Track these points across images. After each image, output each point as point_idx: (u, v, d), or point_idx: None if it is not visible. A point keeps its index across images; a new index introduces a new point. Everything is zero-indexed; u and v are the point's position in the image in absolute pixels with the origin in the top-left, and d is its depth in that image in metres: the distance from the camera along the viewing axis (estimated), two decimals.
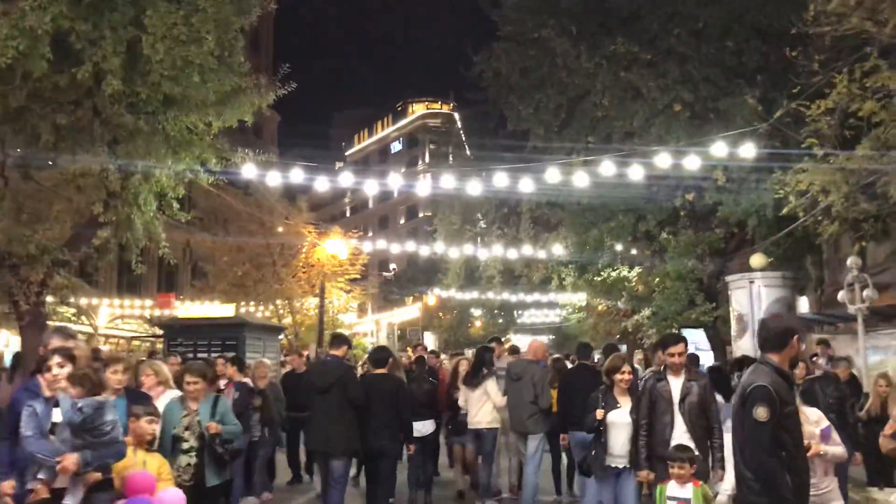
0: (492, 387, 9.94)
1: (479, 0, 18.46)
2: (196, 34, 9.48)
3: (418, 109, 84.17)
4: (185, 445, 6.31)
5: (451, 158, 29.97)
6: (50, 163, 10.87)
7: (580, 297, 28.13)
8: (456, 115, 29.26)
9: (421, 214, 71.56)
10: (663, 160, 12.10)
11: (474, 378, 10.06)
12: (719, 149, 11.84)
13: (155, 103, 10.30)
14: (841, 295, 10.82)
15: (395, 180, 16.61)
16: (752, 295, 15.17)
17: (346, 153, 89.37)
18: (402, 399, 8.64)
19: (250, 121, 11.55)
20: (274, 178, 13.17)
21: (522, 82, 17.72)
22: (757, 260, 15.36)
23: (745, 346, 14.82)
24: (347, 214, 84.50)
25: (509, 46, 17.92)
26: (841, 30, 8.32)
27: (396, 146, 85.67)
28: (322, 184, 13.78)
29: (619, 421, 6.99)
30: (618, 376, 7.18)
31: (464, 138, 27.94)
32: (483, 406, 9.92)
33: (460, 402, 10.36)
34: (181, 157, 11.05)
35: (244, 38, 11.03)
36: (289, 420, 11.37)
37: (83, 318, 24.78)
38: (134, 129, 10.19)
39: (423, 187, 17.70)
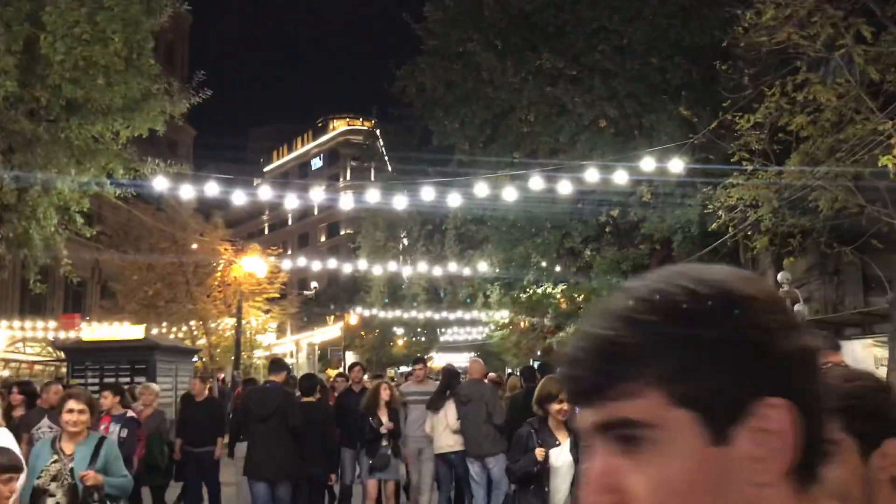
0: (450, 408, 9.60)
1: (402, 13, 18.25)
2: (101, 33, 8.83)
3: (339, 125, 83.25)
4: (50, 502, 4.88)
5: (373, 175, 29.55)
6: None
7: (503, 315, 28.00)
8: (378, 132, 28.81)
9: (342, 232, 70.58)
10: (590, 175, 11.98)
11: (438, 401, 9.72)
12: (646, 164, 11.78)
13: (56, 108, 9.59)
14: None
15: (317, 195, 16.09)
16: None
17: (265, 169, 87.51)
18: (330, 428, 8.82)
19: (161, 129, 10.86)
20: (187, 192, 12.44)
21: (448, 97, 17.51)
22: None
23: None
24: (266, 232, 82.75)
25: (434, 60, 17.69)
26: (771, 43, 8.29)
27: (317, 163, 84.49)
28: (240, 198, 13.10)
29: (560, 462, 5.51)
30: (554, 406, 5.59)
31: (386, 155, 27.59)
32: (446, 429, 9.58)
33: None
34: (85, 168, 10.31)
35: (157, 44, 10.39)
36: (188, 455, 9.96)
37: None
38: (32, 137, 9.46)
39: (346, 202, 17.22)
